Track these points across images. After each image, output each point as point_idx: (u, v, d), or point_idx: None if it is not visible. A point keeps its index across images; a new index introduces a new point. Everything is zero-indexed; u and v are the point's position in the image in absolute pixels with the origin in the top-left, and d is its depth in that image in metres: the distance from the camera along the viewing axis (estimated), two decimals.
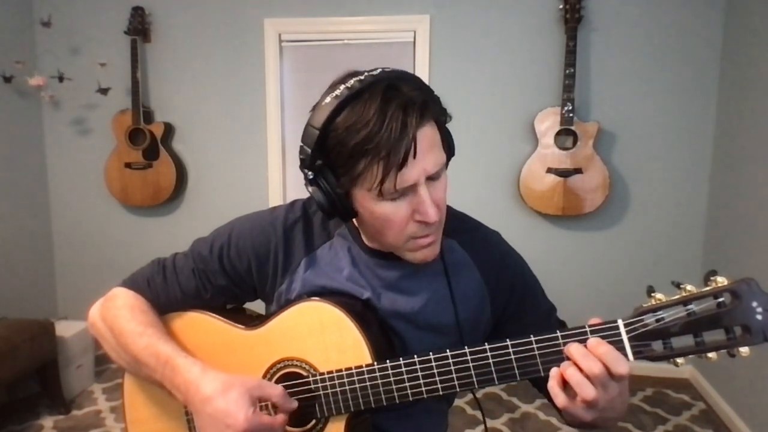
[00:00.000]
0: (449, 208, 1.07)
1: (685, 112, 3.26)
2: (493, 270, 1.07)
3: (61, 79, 3.51)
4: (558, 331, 0.84)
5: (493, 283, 1.07)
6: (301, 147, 0.91)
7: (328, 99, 0.88)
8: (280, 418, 0.94)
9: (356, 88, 0.86)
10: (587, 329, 0.82)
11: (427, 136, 0.87)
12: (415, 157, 0.85)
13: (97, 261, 3.85)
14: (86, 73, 3.60)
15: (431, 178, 0.90)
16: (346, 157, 0.86)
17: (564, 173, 3.19)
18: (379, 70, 0.89)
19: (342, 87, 0.87)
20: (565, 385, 0.81)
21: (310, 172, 0.91)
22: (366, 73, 0.88)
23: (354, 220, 1.05)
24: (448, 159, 0.95)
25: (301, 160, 0.91)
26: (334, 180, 0.91)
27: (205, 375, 0.94)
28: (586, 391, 0.77)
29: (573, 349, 0.80)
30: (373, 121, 0.83)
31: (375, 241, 1.03)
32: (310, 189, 0.93)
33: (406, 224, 0.92)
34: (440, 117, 0.92)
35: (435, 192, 0.91)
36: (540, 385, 1.09)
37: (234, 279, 1.08)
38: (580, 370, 0.79)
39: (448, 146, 0.95)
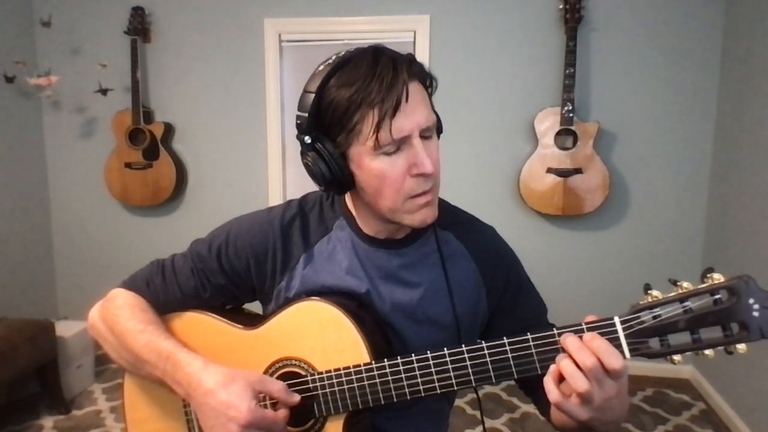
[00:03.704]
0: (444, 202, 1.07)
1: (685, 112, 3.26)
2: (489, 262, 1.08)
3: (47, 76, 3.49)
4: (555, 329, 0.84)
5: (489, 275, 1.08)
6: (297, 115, 0.94)
7: (321, 67, 0.93)
8: (283, 413, 0.95)
9: (347, 55, 0.92)
10: (584, 326, 0.82)
11: (417, 90, 0.91)
12: (407, 101, 0.88)
13: (97, 261, 3.85)
14: (86, 73, 3.61)
15: (424, 137, 0.92)
16: (342, 113, 0.90)
17: (564, 173, 3.19)
18: (367, 45, 0.95)
19: (334, 56, 0.93)
20: (560, 382, 0.81)
21: (307, 137, 0.93)
22: (355, 47, 0.95)
23: (351, 205, 1.07)
24: (438, 134, 0.99)
25: (298, 125, 0.94)
26: (330, 142, 0.93)
27: (207, 369, 0.94)
28: (579, 383, 0.77)
29: (568, 340, 0.80)
30: (365, 75, 0.88)
31: (373, 219, 1.04)
32: (308, 157, 0.95)
33: (404, 180, 0.92)
34: (426, 80, 0.95)
35: (429, 150, 0.93)
36: (528, 388, 1.09)
37: (233, 278, 1.08)
38: (575, 363, 0.78)
39: (437, 119, 0.98)
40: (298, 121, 0.94)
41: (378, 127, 0.88)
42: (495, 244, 1.12)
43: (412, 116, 0.89)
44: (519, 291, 1.10)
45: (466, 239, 1.09)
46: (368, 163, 0.92)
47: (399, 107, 0.87)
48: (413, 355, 0.92)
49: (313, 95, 0.91)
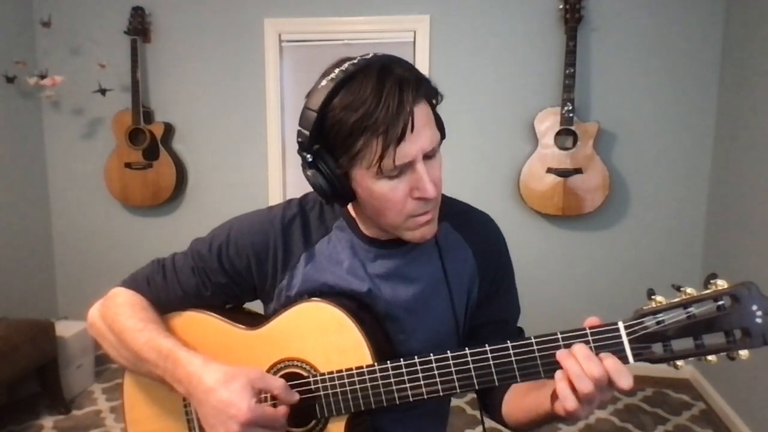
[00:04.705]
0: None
1: (685, 112, 3.27)
2: (485, 251, 1.10)
3: (42, 77, 3.49)
4: (559, 333, 0.84)
5: (484, 264, 1.09)
6: (299, 131, 0.92)
7: (323, 82, 0.89)
8: (283, 410, 0.95)
9: (350, 70, 0.88)
10: (587, 331, 0.82)
11: (422, 112, 0.89)
12: (412, 131, 0.86)
13: (97, 261, 3.85)
14: (86, 73, 3.60)
15: (428, 157, 0.92)
16: (345, 136, 0.88)
17: (564, 173, 3.19)
18: (371, 54, 0.92)
19: (337, 70, 0.89)
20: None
21: (308, 155, 0.92)
22: (359, 57, 0.91)
23: (351, 209, 1.07)
24: (441, 138, 0.97)
25: (299, 143, 0.93)
26: (332, 161, 0.92)
27: (207, 366, 0.94)
28: (584, 384, 0.77)
29: (576, 349, 0.80)
30: (371, 99, 0.85)
31: (374, 226, 1.04)
32: (308, 173, 0.94)
33: (405, 202, 0.92)
34: (432, 97, 0.94)
35: (432, 170, 0.92)
36: (485, 397, 1.10)
37: (233, 277, 1.08)
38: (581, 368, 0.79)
39: (440, 127, 0.96)
40: (300, 139, 0.92)
41: (382, 156, 0.87)
42: (493, 234, 1.13)
43: (416, 142, 0.88)
44: (501, 284, 1.11)
45: (464, 230, 1.10)
46: (370, 186, 0.92)
47: (403, 138, 0.86)
48: (416, 357, 0.92)
49: (314, 114, 0.88)
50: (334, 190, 0.94)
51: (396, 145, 0.86)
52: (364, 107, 0.85)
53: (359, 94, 0.86)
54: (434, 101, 0.95)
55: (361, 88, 0.86)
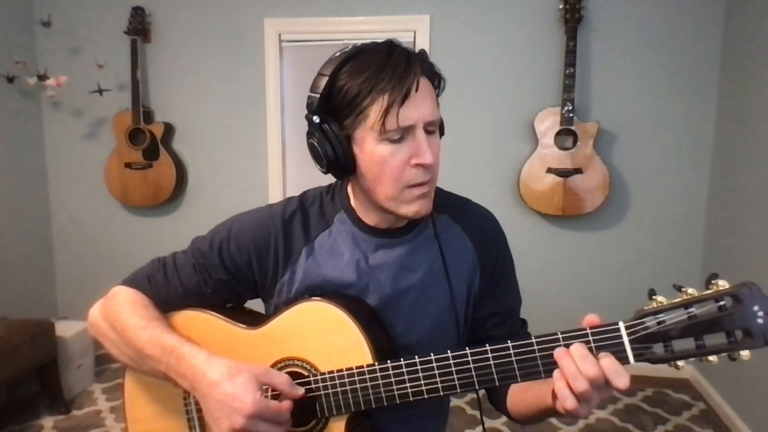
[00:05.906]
0: (437, 188, 1.08)
1: (685, 112, 3.27)
2: (484, 242, 1.11)
3: (41, 78, 3.49)
4: (559, 333, 0.84)
5: (485, 256, 1.10)
6: (309, 95, 0.96)
7: (337, 53, 0.96)
8: (287, 403, 0.95)
9: (362, 46, 0.96)
10: (588, 331, 0.82)
11: (426, 86, 0.94)
12: (417, 90, 0.91)
13: (97, 261, 3.85)
14: (86, 73, 3.60)
15: (428, 132, 0.96)
16: (352, 97, 0.93)
17: (564, 173, 3.19)
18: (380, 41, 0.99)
19: (350, 46, 0.97)
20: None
21: (315, 117, 0.96)
22: (371, 41, 0.99)
23: (351, 196, 1.08)
24: (440, 135, 1.01)
25: (308, 105, 0.97)
26: (337, 126, 0.96)
27: (211, 361, 0.95)
28: (579, 383, 0.78)
29: (573, 348, 0.81)
30: (379, 63, 0.92)
31: (373, 211, 1.05)
32: (314, 137, 0.97)
33: (403, 169, 0.95)
34: (435, 83, 0.98)
35: (431, 144, 0.96)
36: (492, 393, 1.11)
37: (234, 274, 1.09)
38: (577, 368, 0.79)
39: (441, 120, 1.01)
40: (309, 101, 0.96)
41: (386, 113, 0.90)
42: (492, 226, 1.14)
43: (419, 107, 0.92)
44: (502, 275, 1.12)
45: (463, 221, 1.11)
46: (371, 148, 0.94)
47: (408, 96, 0.90)
48: (416, 357, 0.93)
49: (326, 78, 0.94)
50: (336, 154, 0.96)
51: (400, 104, 0.90)
52: (372, 69, 0.92)
53: (369, 61, 0.93)
54: (436, 89, 0.98)
55: (372, 56, 0.94)
